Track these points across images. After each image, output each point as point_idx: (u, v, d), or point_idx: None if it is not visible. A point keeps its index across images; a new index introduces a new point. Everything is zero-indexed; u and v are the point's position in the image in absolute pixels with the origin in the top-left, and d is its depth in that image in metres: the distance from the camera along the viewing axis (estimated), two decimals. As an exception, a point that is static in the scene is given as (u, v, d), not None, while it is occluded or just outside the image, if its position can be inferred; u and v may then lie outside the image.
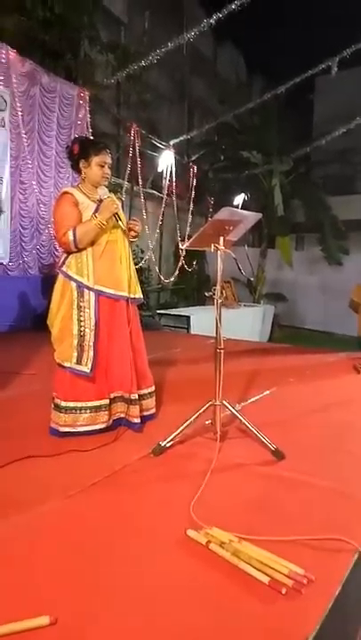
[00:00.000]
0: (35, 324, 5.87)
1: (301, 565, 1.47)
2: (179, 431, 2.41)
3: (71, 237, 2.46)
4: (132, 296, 2.61)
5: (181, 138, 9.06)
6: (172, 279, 9.49)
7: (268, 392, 3.60)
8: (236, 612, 1.34)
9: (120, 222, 2.58)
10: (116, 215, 2.54)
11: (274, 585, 1.40)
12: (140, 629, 1.26)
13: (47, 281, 5.94)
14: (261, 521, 1.79)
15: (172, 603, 1.37)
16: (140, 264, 8.12)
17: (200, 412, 2.45)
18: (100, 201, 2.55)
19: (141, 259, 8.28)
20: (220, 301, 2.50)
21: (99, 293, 2.52)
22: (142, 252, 8.67)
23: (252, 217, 2.62)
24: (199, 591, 1.42)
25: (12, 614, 1.25)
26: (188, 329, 7.22)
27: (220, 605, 1.36)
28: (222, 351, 2.47)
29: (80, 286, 2.51)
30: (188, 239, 2.67)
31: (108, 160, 2.61)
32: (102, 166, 2.58)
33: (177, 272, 9.52)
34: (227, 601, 1.38)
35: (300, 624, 1.27)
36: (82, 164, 2.58)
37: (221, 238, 2.47)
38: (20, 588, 1.40)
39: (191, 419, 2.43)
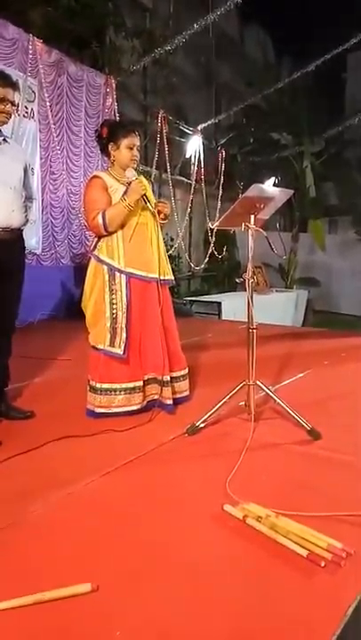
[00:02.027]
0: (69, 312, 5.98)
1: (340, 541, 1.45)
2: (213, 411, 2.41)
3: (101, 221, 2.48)
4: (162, 278, 2.62)
5: (209, 122, 8.94)
6: (203, 266, 9.44)
7: (302, 374, 3.55)
8: (276, 583, 1.34)
9: (149, 204, 2.58)
10: (144, 197, 2.54)
11: (313, 558, 1.40)
12: (180, 599, 1.28)
13: (79, 270, 6.01)
14: (298, 498, 1.78)
15: (210, 574, 1.38)
16: (170, 251, 8.12)
17: (234, 392, 2.44)
18: (129, 183, 2.56)
19: (171, 246, 8.27)
20: (251, 282, 2.47)
21: (130, 276, 2.54)
22: (172, 239, 8.66)
23: (283, 194, 2.57)
24: (237, 563, 1.43)
25: (54, 582, 1.29)
26: (219, 315, 7.19)
27: (258, 577, 1.37)
28: (255, 331, 2.45)
29: (111, 269, 2.53)
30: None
31: (137, 142, 2.62)
32: (131, 148, 2.58)
33: (207, 259, 9.46)
34: (266, 573, 1.38)
35: (341, 595, 1.26)
36: (111, 147, 2.59)
37: (252, 217, 2.43)
38: (62, 558, 1.44)
39: (225, 398, 2.43)
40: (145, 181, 2.58)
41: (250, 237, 2.46)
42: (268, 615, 1.22)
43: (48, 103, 5.90)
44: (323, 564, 1.37)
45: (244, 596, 1.29)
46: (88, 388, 2.61)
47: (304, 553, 1.42)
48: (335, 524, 1.58)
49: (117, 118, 6.71)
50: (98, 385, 2.55)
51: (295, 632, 1.17)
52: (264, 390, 2.46)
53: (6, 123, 2.33)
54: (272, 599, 1.28)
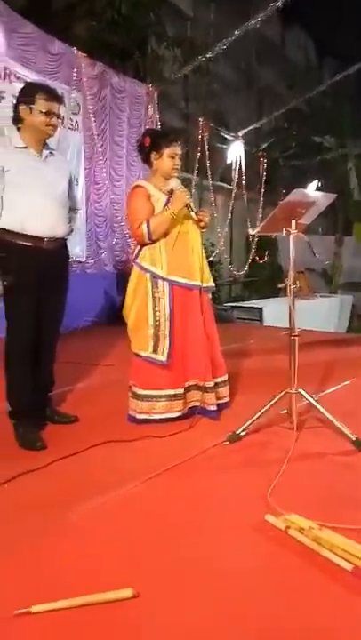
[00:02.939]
0: (111, 318, 6.08)
1: (386, 556, 1.40)
2: (254, 419, 2.39)
3: (145, 230, 2.51)
4: (204, 285, 2.63)
5: (250, 127, 8.90)
6: (244, 271, 9.37)
7: (346, 383, 3.46)
8: (318, 597, 1.31)
9: (192, 213, 2.60)
10: (187, 206, 2.56)
11: (357, 572, 1.35)
12: (219, 609, 1.27)
13: (121, 277, 6.11)
14: (342, 510, 1.73)
15: (251, 585, 1.37)
16: (211, 257, 8.12)
17: (275, 399, 2.41)
18: (172, 192, 2.58)
19: (212, 252, 8.27)
20: (293, 287, 2.44)
21: (172, 283, 2.56)
22: (213, 245, 8.65)
23: (324, 198, 2.53)
24: (278, 575, 1.41)
25: (94, 588, 1.30)
26: (260, 321, 7.12)
27: (300, 590, 1.34)
28: (296, 338, 2.41)
29: (154, 277, 2.56)
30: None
31: (179, 151, 2.64)
32: (173, 157, 2.61)
33: (248, 264, 9.39)
34: (308, 586, 1.35)
35: (387, 614, 1.22)
36: (153, 156, 2.63)
37: (293, 222, 2.40)
38: (103, 564, 1.46)
39: (267, 406, 2.40)
40: (187, 191, 2.60)
41: (291, 243, 2.43)
42: (309, 631, 1.19)
43: (92, 115, 6.06)
44: (368, 580, 1.33)
45: (285, 609, 1.27)
46: (130, 394, 2.65)
47: (349, 567, 1.38)
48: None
49: (159, 127, 6.80)
50: (140, 391, 2.58)
51: (340, 649, 1.14)
52: (307, 399, 2.42)
53: (52, 135, 2.41)
54: (314, 614, 1.25)
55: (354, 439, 2.25)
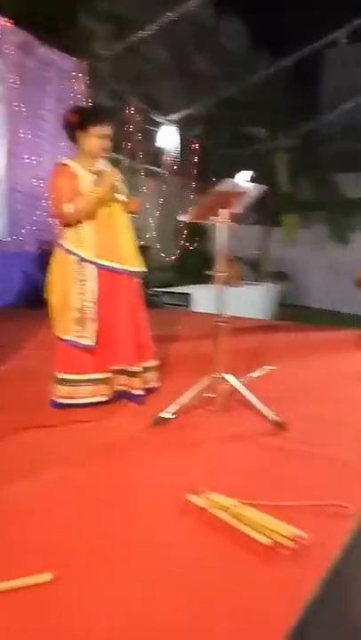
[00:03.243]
0: (32, 301, 5.84)
1: (303, 530, 1.48)
2: (180, 402, 2.41)
3: (69, 210, 2.43)
4: (132, 269, 2.59)
5: (183, 113, 8.88)
6: (174, 257, 9.41)
7: (270, 368, 3.59)
8: (239, 571, 1.36)
9: (119, 195, 2.54)
10: (115, 188, 2.50)
11: (276, 546, 1.42)
12: (141, 587, 1.28)
13: (45, 257, 5.88)
14: (262, 488, 1.80)
15: (174, 563, 1.38)
16: (142, 242, 8.06)
17: (202, 383, 2.45)
18: (99, 173, 2.51)
19: (142, 237, 8.21)
20: (221, 275, 2.48)
21: (99, 266, 2.50)
22: (143, 230, 8.59)
23: (254, 189, 2.58)
24: (201, 552, 1.44)
25: (15, 572, 1.27)
26: (189, 307, 7.20)
27: (221, 566, 1.38)
28: (223, 324, 2.46)
29: (80, 260, 2.49)
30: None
31: (109, 132, 2.55)
32: (102, 138, 2.52)
33: (179, 250, 9.44)
34: (229, 561, 1.40)
35: (302, 584, 1.28)
36: (80, 134, 2.52)
37: (224, 210, 2.43)
38: (24, 548, 1.42)
39: (193, 390, 2.43)
40: (116, 171, 2.54)
41: (221, 231, 2.46)
42: (229, 603, 1.23)
43: (15, 86, 5.73)
44: (285, 553, 1.40)
45: (206, 584, 1.30)
46: (54, 379, 2.57)
47: (268, 542, 1.44)
48: (299, 513, 1.61)
49: (89, 105, 6.59)
50: (64, 375, 2.52)
51: (255, 618, 1.19)
52: (231, 383, 2.48)
53: None
54: (234, 587, 1.29)
55: (275, 420, 2.34)
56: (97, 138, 2.51)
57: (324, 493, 1.70)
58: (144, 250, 8.62)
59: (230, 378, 2.48)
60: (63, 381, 2.51)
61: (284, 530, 1.48)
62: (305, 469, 1.98)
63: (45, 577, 1.25)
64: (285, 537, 1.45)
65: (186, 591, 1.27)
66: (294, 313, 10.17)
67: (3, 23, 5.51)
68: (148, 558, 1.40)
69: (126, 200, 2.56)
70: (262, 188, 2.64)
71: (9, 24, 5.54)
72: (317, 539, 1.45)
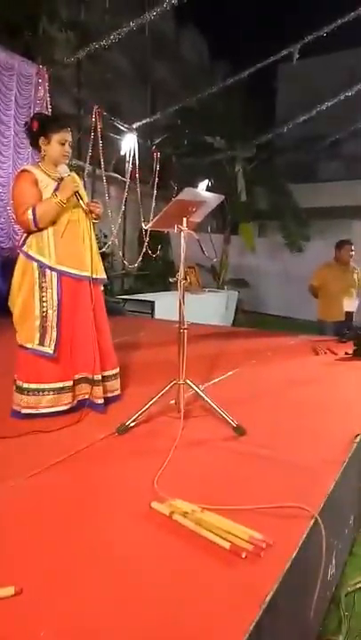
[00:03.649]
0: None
1: (261, 532, 1.53)
2: (143, 410, 2.43)
3: (31, 216, 2.42)
4: (95, 276, 2.60)
5: (144, 121, 8.94)
6: (136, 265, 9.43)
7: (230, 373, 3.67)
8: (200, 575, 1.38)
9: (81, 201, 2.55)
10: (77, 194, 2.51)
11: (234, 550, 1.46)
12: (106, 596, 1.29)
13: (6, 265, 5.78)
14: (223, 492, 1.84)
15: (137, 571, 1.40)
16: (104, 249, 8.03)
17: (164, 390, 2.48)
18: (61, 179, 2.51)
19: (105, 244, 8.18)
20: (183, 283, 2.52)
21: (61, 273, 2.50)
22: (105, 236, 8.57)
23: (214, 198, 2.64)
24: (164, 558, 1.46)
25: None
26: (152, 314, 7.23)
27: (183, 570, 1.41)
28: (185, 331, 2.50)
29: (42, 266, 2.48)
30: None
31: (69, 138, 2.57)
32: (63, 144, 2.53)
33: (141, 258, 9.47)
34: (190, 566, 1.42)
35: (260, 584, 1.33)
36: (41, 141, 2.53)
37: (185, 219, 2.48)
38: (-16, 564, 1.40)
39: (155, 397, 2.46)
40: (77, 178, 2.55)
41: (182, 239, 2.51)
42: (191, 606, 1.26)
43: (-26, 90, 5.64)
44: (244, 555, 1.44)
45: (170, 589, 1.33)
46: (14, 388, 2.54)
47: (226, 545, 1.48)
48: (257, 516, 1.66)
49: (50, 110, 6.54)
50: (25, 385, 2.49)
51: (217, 620, 1.22)
52: (193, 389, 2.52)
53: None
54: (196, 591, 1.32)
55: (235, 425, 2.40)
56: (58, 144, 2.52)
57: (282, 497, 1.76)
58: (106, 257, 8.61)
59: (192, 384, 2.52)
60: (24, 390, 2.48)
61: (242, 533, 1.53)
62: (264, 473, 2.04)
63: (8, 591, 1.24)
64: (243, 539, 1.50)
65: (148, 598, 1.29)
66: (253, 319, 10.40)
67: None
68: (111, 567, 1.41)
69: (87, 206, 2.57)
70: (220, 197, 2.72)
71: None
72: (275, 539, 1.50)
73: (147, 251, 9.29)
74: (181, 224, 2.48)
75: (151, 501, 1.72)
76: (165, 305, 7.20)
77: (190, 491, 1.80)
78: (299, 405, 2.98)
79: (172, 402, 2.62)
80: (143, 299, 7.71)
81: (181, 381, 2.51)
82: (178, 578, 1.38)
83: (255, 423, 2.51)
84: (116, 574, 1.37)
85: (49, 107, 6.64)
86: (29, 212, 2.41)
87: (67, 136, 2.54)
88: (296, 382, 3.53)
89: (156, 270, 10.89)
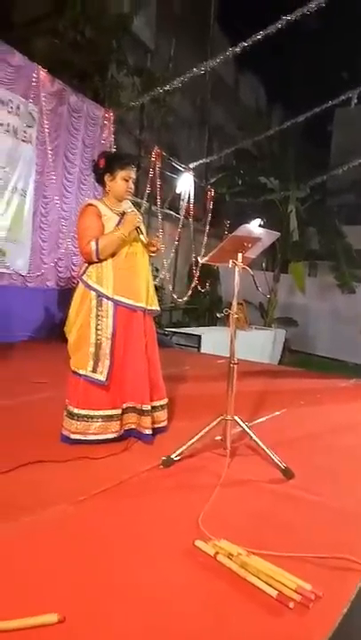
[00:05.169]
0: (49, 335, 5.94)
1: (309, 582, 1.46)
2: (189, 444, 2.41)
3: (94, 247, 2.52)
4: (149, 307, 2.66)
5: (200, 161, 9.23)
6: (185, 299, 9.55)
7: (278, 413, 3.59)
8: (243, 623, 1.33)
9: (141, 236, 2.65)
10: (138, 229, 2.61)
11: (281, 599, 1.40)
12: (145, 634, 1.26)
13: (64, 294, 6.03)
14: (269, 536, 1.78)
15: (177, 611, 1.36)
16: (155, 282, 8.20)
17: (211, 425, 2.45)
18: (123, 214, 2.62)
19: (155, 277, 8.37)
20: (234, 316, 2.53)
21: (117, 303, 2.57)
22: (157, 270, 8.76)
23: (269, 235, 2.66)
24: (205, 601, 1.42)
25: (18, 612, 1.25)
26: (198, 348, 7.24)
27: (226, 616, 1.36)
28: (235, 366, 2.49)
29: (99, 295, 2.56)
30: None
31: (133, 175, 2.70)
32: (127, 180, 2.66)
33: (190, 292, 9.58)
34: (233, 612, 1.37)
35: (307, 638, 1.26)
36: (107, 177, 2.66)
37: (240, 255, 2.51)
38: (28, 587, 1.40)
39: (202, 432, 2.43)
40: (138, 214, 2.65)
41: (236, 274, 2.53)
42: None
43: (47, 130, 6.04)
44: (291, 606, 1.37)
45: (212, 634, 1.28)
46: (65, 413, 2.59)
47: (273, 593, 1.42)
48: (305, 565, 1.59)
49: (113, 150, 6.89)
50: (76, 410, 2.54)
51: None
52: (241, 426, 2.48)
53: None
54: (238, 638, 1.27)
55: (283, 468, 2.33)
56: (122, 180, 2.65)
57: (331, 546, 1.68)
58: (157, 290, 8.77)
59: (240, 421, 2.48)
60: (75, 416, 2.53)
61: (290, 581, 1.46)
62: (312, 520, 1.96)
63: (51, 617, 1.24)
64: (291, 589, 1.43)
65: (189, 639, 1.25)
66: (300, 359, 10.18)
67: (43, 75, 5.86)
68: (152, 606, 1.37)
69: (147, 241, 2.66)
70: (276, 234, 2.73)
71: (44, 73, 5.89)
72: (324, 592, 1.43)
73: (196, 285, 9.40)
74: (236, 259, 2.51)
75: (194, 539, 1.68)
76: (212, 340, 7.20)
77: (235, 532, 1.75)
78: (349, 450, 2.86)
79: (218, 438, 2.58)
80: (190, 332, 7.75)
81: (229, 417, 2.48)
82: (219, 623, 1.33)
83: (303, 466, 2.43)
84: (156, 614, 1.34)
85: (113, 147, 7.00)
86: (92, 243, 2.52)
87: (131, 173, 2.67)
88: (347, 426, 3.41)
89: (204, 305, 10.96)
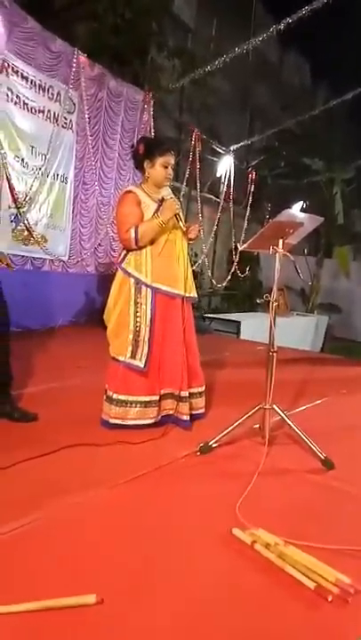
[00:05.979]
0: (89, 319, 6.05)
1: (347, 575, 1.43)
2: (227, 431, 2.40)
3: (133, 235, 2.52)
4: (187, 295, 2.65)
5: (242, 143, 9.04)
6: (224, 284, 9.47)
7: (318, 402, 3.52)
8: (279, 614, 1.32)
9: (180, 223, 2.62)
10: (176, 216, 2.58)
11: (320, 591, 1.37)
12: (181, 620, 1.27)
13: (103, 279, 6.10)
14: (307, 527, 1.76)
15: (212, 597, 1.37)
16: (194, 267, 8.16)
17: (250, 413, 2.43)
18: (162, 201, 2.60)
19: (195, 262, 8.32)
20: (274, 304, 2.48)
21: (155, 290, 2.57)
22: (196, 255, 8.71)
23: (313, 220, 2.58)
24: (242, 590, 1.42)
25: (57, 592, 1.29)
26: (237, 334, 7.18)
27: (262, 605, 1.35)
28: (275, 354, 2.45)
29: (138, 282, 2.57)
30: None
31: (172, 161, 2.66)
32: (166, 167, 2.63)
33: (229, 277, 9.49)
34: (270, 602, 1.37)
35: (346, 632, 1.24)
36: (146, 163, 2.64)
37: (281, 241, 2.45)
38: (66, 568, 1.44)
39: (240, 420, 2.42)
40: (177, 201, 2.63)
41: (277, 261, 2.47)
42: (271, 645, 1.21)
43: (87, 115, 6.06)
44: (330, 599, 1.35)
45: (246, 623, 1.28)
46: (104, 398, 2.63)
47: (311, 585, 1.40)
48: (344, 557, 1.56)
49: (153, 134, 6.84)
50: (115, 395, 2.57)
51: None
52: (280, 415, 2.45)
53: None
54: (274, 629, 1.26)
55: (323, 458, 2.29)
56: (161, 167, 2.62)
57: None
58: (196, 275, 8.74)
59: (279, 410, 2.45)
60: (114, 401, 2.57)
61: (329, 574, 1.44)
62: (352, 512, 1.92)
63: (90, 598, 1.27)
64: (330, 582, 1.41)
65: (224, 629, 1.25)
66: (343, 346, 9.92)
67: (83, 60, 5.87)
68: (187, 591, 1.39)
69: (186, 227, 2.64)
70: (319, 219, 2.64)
71: (84, 58, 5.89)
72: (363, 586, 1.40)
73: (235, 271, 9.30)
74: (277, 245, 2.45)
75: (231, 527, 1.68)
76: (251, 326, 7.12)
77: (273, 521, 1.73)
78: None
79: (257, 426, 2.56)
80: (229, 318, 7.68)
81: (268, 406, 2.45)
82: (253, 612, 1.32)
83: (344, 457, 2.37)
84: (191, 600, 1.35)
85: (152, 130, 6.96)
86: (132, 230, 2.52)
87: (170, 160, 2.63)
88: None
89: (244, 291, 10.83)
